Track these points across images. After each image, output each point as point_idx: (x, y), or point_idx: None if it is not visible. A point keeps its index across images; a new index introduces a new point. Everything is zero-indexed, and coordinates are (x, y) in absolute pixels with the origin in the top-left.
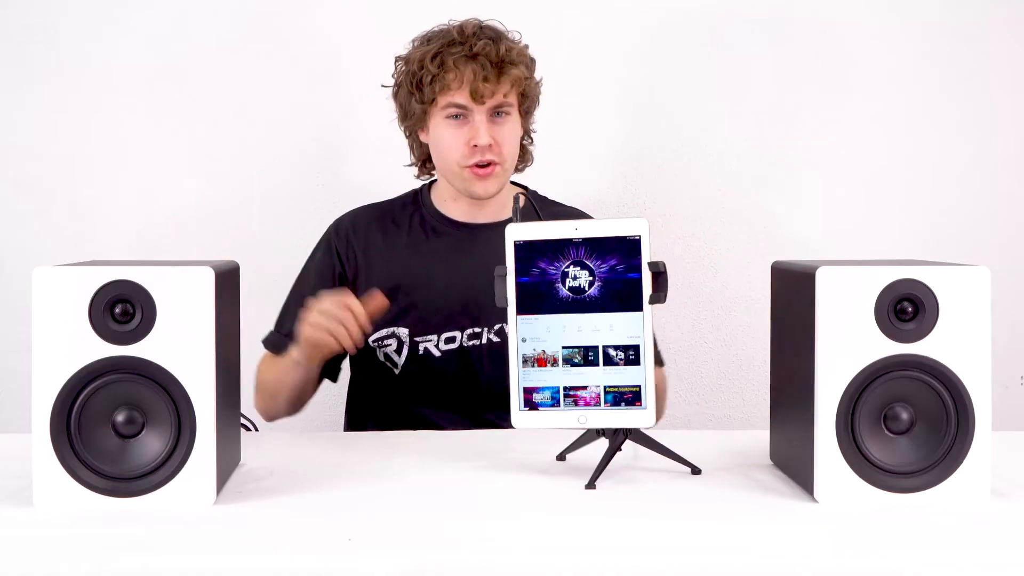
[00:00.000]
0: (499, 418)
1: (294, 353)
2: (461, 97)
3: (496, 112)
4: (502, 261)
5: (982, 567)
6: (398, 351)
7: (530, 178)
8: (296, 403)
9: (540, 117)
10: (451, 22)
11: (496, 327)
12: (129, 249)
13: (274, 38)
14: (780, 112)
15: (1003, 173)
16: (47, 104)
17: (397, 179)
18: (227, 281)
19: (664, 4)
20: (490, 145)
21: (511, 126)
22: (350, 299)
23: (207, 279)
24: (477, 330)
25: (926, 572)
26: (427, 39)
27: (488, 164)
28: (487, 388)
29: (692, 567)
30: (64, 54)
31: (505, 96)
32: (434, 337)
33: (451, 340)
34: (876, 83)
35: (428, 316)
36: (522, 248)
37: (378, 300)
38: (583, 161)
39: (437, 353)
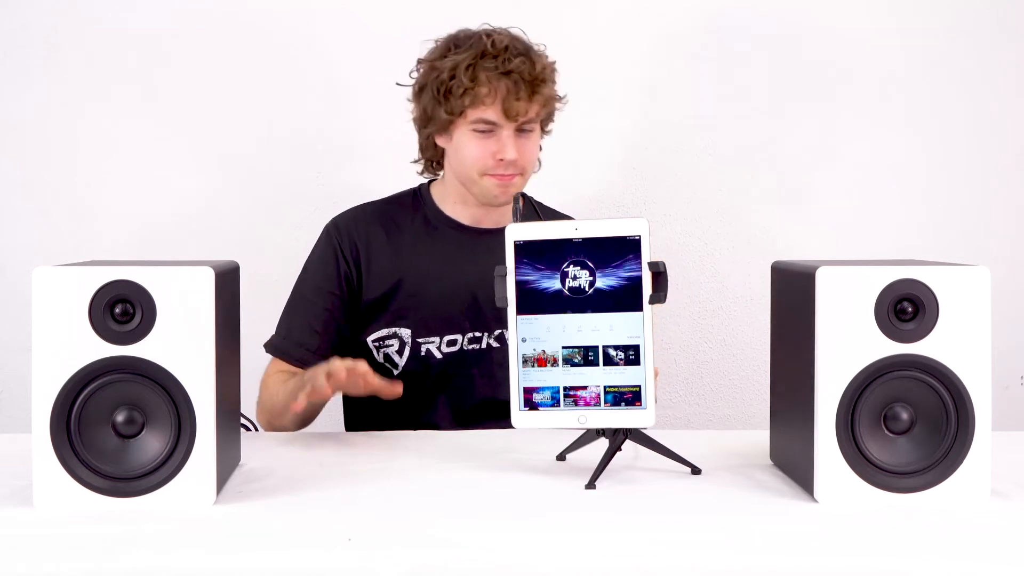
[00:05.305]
0: (491, 424)
1: (302, 397)
2: (493, 114)
3: (522, 127)
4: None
5: (982, 567)
6: (400, 351)
7: (531, 177)
8: (301, 423)
9: None
10: (482, 27)
11: (496, 332)
12: (129, 249)
13: (274, 38)
14: (780, 112)
15: (1003, 173)
16: (47, 104)
17: (397, 179)
18: (227, 281)
19: (666, 8)
20: (515, 159)
21: (534, 140)
22: (363, 366)
23: (207, 279)
24: (478, 334)
25: (926, 572)
26: (455, 45)
27: (511, 175)
28: (483, 393)
29: (692, 567)
30: (64, 54)
31: (534, 114)
32: (436, 339)
33: (452, 343)
34: (876, 84)
35: (431, 317)
36: (522, 248)
37: (395, 388)
38: (583, 161)
39: (439, 355)
